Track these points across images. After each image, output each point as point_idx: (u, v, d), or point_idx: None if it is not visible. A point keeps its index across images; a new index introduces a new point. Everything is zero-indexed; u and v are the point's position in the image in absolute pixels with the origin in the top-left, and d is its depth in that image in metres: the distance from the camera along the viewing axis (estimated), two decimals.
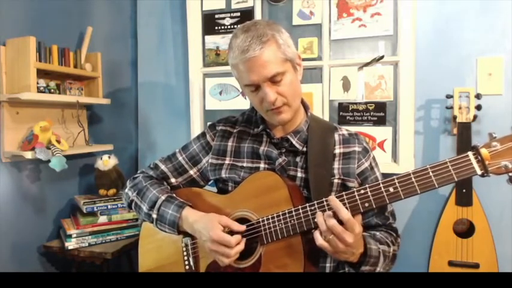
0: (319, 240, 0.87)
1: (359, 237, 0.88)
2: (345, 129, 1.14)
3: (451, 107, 1.58)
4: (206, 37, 1.97)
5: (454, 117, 1.56)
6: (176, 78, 2.06)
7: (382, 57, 1.70)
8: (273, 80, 0.97)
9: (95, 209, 1.83)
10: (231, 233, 0.97)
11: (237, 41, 0.97)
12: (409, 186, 0.84)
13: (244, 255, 0.99)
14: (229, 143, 1.15)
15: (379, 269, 0.96)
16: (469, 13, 1.64)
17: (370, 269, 0.95)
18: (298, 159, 1.07)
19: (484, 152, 0.79)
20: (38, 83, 1.68)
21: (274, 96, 0.97)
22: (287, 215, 0.94)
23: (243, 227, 0.98)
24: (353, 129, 1.18)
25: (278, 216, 0.95)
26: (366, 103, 1.76)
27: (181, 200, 1.09)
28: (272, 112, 1.01)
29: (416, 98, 1.69)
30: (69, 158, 1.79)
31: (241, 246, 0.96)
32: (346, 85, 1.78)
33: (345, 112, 1.79)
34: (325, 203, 0.90)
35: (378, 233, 1.05)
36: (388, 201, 0.86)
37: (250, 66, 0.96)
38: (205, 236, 0.97)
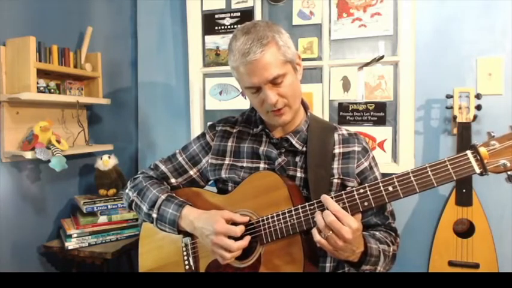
0: (317, 236, 0.87)
1: (358, 233, 0.87)
2: (345, 129, 1.14)
3: (451, 107, 1.58)
4: (206, 37, 1.97)
5: (454, 117, 1.56)
6: (176, 78, 2.06)
7: (382, 57, 1.70)
8: (274, 82, 0.97)
9: (95, 209, 1.83)
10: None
11: (237, 44, 0.97)
12: (408, 185, 0.84)
13: (243, 255, 0.98)
14: (229, 143, 1.15)
15: (379, 269, 0.96)
16: (469, 13, 1.64)
17: (370, 269, 0.94)
18: (297, 159, 1.07)
19: (482, 150, 0.79)
20: (38, 83, 1.68)
21: (275, 98, 0.97)
22: (287, 215, 0.94)
23: (246, 218, 0.98)
24: (353, 129, 1.18)
25: (278, 215, 0.95)
26: (366, 103, 1.76)
27: (182, 199, 1.09)
28: (273, 114, 1.02)
29: (416, 98, 1.69)
30: (69, 158, 1.79)
31: (245, 242, 0.96)
32: (346, 85, 1.78)
33: (345, 112, 1.79)
34: None
35: (377, 233, 1.05)
36: (387, 200, 0.86)
37: (251, 69, 0.96)
38: (209, 230, 0.97)
